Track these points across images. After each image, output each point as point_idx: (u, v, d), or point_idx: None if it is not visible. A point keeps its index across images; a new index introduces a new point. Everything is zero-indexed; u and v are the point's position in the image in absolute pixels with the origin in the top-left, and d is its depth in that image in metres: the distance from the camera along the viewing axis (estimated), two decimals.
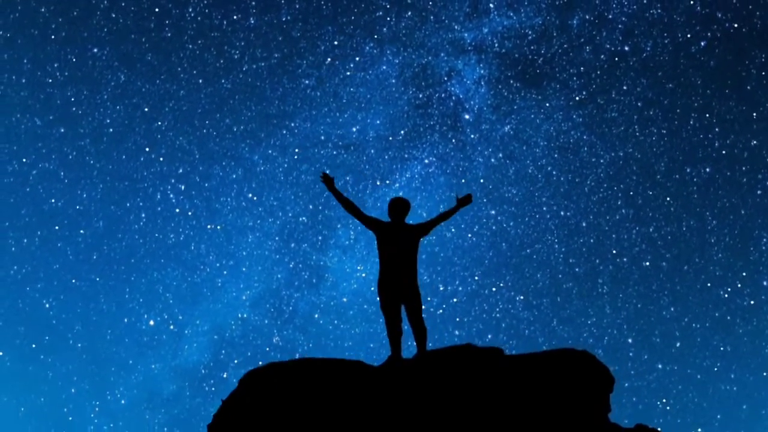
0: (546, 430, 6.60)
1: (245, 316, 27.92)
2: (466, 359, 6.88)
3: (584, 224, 27.54)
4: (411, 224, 7.13)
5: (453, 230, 27.66)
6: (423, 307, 7.01)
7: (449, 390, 6.56)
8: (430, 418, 6.38)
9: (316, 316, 27.89)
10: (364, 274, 27.55)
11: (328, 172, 7.33)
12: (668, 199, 28.18)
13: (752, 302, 27.14)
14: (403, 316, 7.08)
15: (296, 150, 28.19)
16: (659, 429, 7.00)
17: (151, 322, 27.67)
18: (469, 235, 28.23)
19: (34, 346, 27.53)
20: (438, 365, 6.79)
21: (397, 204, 7.12)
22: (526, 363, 7.13)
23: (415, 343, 6.96)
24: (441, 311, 27.06)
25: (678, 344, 27.25)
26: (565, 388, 6.98)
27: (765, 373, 26.55)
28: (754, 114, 27.93)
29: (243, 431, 6.24)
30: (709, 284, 27.70)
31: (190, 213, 28.03)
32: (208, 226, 27.67)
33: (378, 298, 7.00)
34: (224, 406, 6.47)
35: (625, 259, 27.98)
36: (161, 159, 28.07)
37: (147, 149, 28.00)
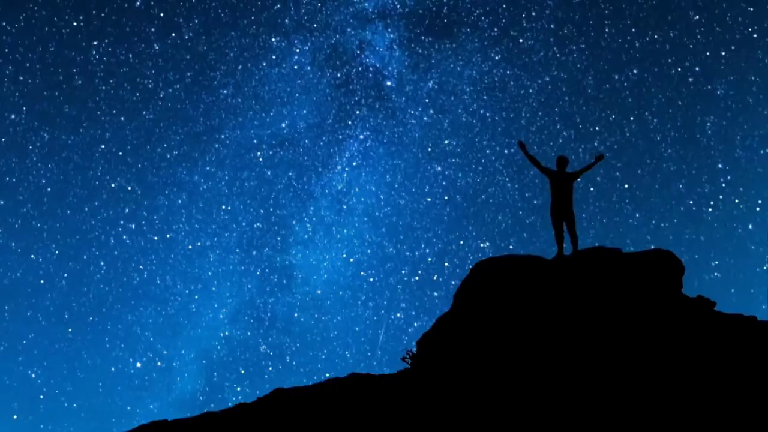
0: (648, 297, 10.97)
1: (227, 333, 28.27)
2: (600, 255, 11.17)
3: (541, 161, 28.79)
4: (569, 172, 11.21)
5: (405, 197, 27.95)
6: (575, 222, 11.17)
7: (593, 274, 10.87)
8: (581, 289, 10.70)
9: (296, 315, 28.55)
10: (350, 259, 27.57)
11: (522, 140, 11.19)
12: (605, 110, 28.11)
13: (712, 187, 27.93)
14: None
15: (233, 160, 27.82)
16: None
17: (138, 365, 27.74)
18: (422, 197, 28.56)
19: (31, 417, 27.37)
20: (584, 259, 11.07)
21: (561, 160, 11.14)
22: (632, 258, 11.44)
23: (571, 245, 11.25)
24: (417, 278, 27.58)
25: (652, 247, 28.25)
26: (657, 272, 11.31)
27: (743, 254, 27.76)
28: (667, 4, 27.61)
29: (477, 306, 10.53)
30: (666, 181, 28.14)
31: (147, 249, 27.57)
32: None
33: (550, 217, 11.18)
34: (462, 284, 10.74)
35: (579, 180, 28.66)
36: (105, 204, 27.40)
37: (89, 199, 27.16)
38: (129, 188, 27.92)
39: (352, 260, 28.99)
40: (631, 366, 9.65)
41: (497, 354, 9.84)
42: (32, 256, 27.93)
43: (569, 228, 11.13)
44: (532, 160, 11.12)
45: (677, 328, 10.57)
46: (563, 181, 11.05)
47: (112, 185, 27.80)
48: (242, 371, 28.38)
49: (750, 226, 28.50)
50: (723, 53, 28.19)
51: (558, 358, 9.73)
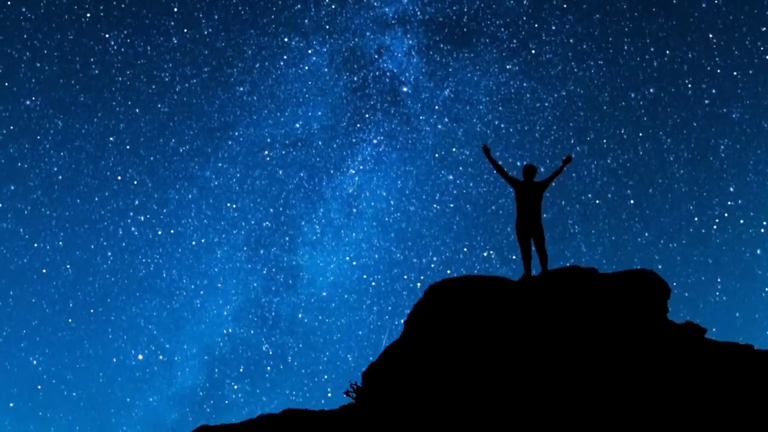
0: (627, 323, 9.73)
1: (230, 330, 28.00)
2: (574, 276, 9.95)
3: (542, 169, 28.08)
4: (537, 182, 10.01)
5: (415, 203, 27.64)
6: (545, 239, 9.96)
7: (564, 296, 9.65)
8: (551, 315, 9.48)
9: (300, 315, 28.22)
10: (355, 263, 27.57)
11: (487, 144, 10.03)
12: (619, 127, 27.84)
13: (723, 211, 27.54)
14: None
15: (245, 158, 27.70)
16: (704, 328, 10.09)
17: (140, 357, 27.62)
18: (432, 205, 28.31)
19: (30, 404, 27.34)
20: (555, 280, 9.85)
21: (528, 169, 9.95)
22: (611, 278, 10.20)
23: (540, 265, 10.03)
24: (419, 284, 27.21)
25: (659, 267, 27.26)
26: (638, 295, 10.07)
27: (750, 278, 27.27)
28: (686, 26, 27.54)
29: (429, 330, 9.34)
30: (677, 202, 27.84)
31: (155, 242, 27.54)
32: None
33: (516, 233, 9.97)
34: (414, 309, 9.55)
35: (590, 195, 28.37)
36: (115, 195, 27.41)
37: (99, 188, 27.21)
38: (140, 180, 27.99)
39: (359, 264, 28.68)
40: (602, 403, 8.43)
41: (450, 388, 8.64)
42: (40, 243, 28.00)
43: (537, 245, 9.94)
44: (496, 167, 9.96)
45: (659, 359, 9.32)
46: (531, 192, 9.87)
47: (124, 176, 27.89)
48: (242, 369, 28.21)
49: (758, 251, 28.21)
50: (740, 77, 27.94)
51: (518, 393, 8.52)
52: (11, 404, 27.55)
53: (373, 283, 27.84)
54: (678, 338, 9.85)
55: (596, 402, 8.43)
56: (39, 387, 27.53)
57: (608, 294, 9.84)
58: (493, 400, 8.56)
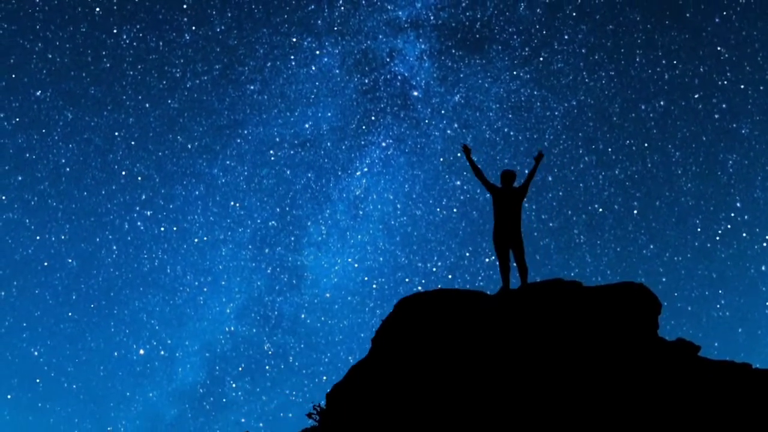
0: (614, 341, 9.05)
1: (233, 328, 27.94)
2: (556, 289, 9.28)
3: (550, 178, 27.82)
4: (516, 189, 9.37)
5: (422, 208, 27.62)
6: (525, 250, 9.32)
7: (544, 312, 8.98)
8: (531, 332, 8.81)
9: (303, 316, 28.07)
10: (356, 265, 27.55)
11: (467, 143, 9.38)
12: (629, 139, 27.85)
13: (729, 225, 27.48)
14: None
15: (254, 156, 27.79)
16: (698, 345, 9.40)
17: (141, 351, 27.62)
18: (439, 210, 28.28)
19: (30, 395, 27.37)
20: (535, 294, 9.19)
21: (506, 174, 9.32)
22: (597, 292, 9.52)
23: (520, 278, 9.37)
24: (421, 288, 27.29)
25: (664, 279, 28.02)
26: (626, 310, 9.39)
27: (754, 294, 27.10)
28: (698, 40, 27.57)
29: (398, 346, 8.68)
30: (683, 215, 27.88)
31: (160, 237, 27.59)
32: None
33: (493, 244, 9.33)
34: (383, 325, 8.91)
35: (596, 206, 28.10)
36: (122, 189, 27.44)
37: (106, 182, 27.28)
38: (147, 175, 27.98)
39: (363, 266, 28.52)
40: (581, 427, 7.75)
41: (419, 410, 7.98)
42: (45, 234, 27.99)
43: (516, 257, 9.28)
44: (475, 170, 9.31)
45: (647, 379, 8.63)
46: (510, 199, 9.22)
47: (131, 170, 27.94)
48: (243, 367, 28.09)
49: (763, 268, 27.86)
50: (751, 92, 27.79)
51: (492, 416, 7.85)
52: (8, 396, 27.68)
53: (375, 286, 27.85)
54: (669, 357, 9.16)
55: (575, 425, 7.75)
56: (38, 379, 27.71)
57: (593, 309, 9.18)
58: (464, 423, 7.90)
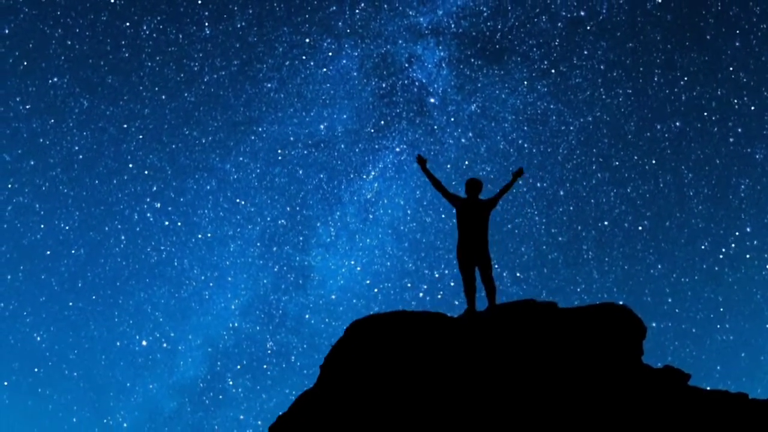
0: (593, 368, 8.16)
1: (236, 325, 27.58)
2: (528, 312, 8.41)
3: (562, 193, 27.18)
4: (483, 200, 8.56)
5: (432, 215, 27.50)
6: (493, 268, 8.50)
7: (513, 335, 8.11)
8: (499, 359, 7.95)
9: (307, 316, 27.55)
10: (359, 268, 27.38)
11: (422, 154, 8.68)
12: (642, 157, 27.81)
13: (738, 249, 27.26)
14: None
15: (267, 154, 27.82)
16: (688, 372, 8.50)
17: (144, 343, 27.32)
18: (449, 218, 27.49)
19: (30, 380, 27.20)
20: (505, 317, 8.33)
21: (472, 183, 8.52)
22: (575, 314, 8.65)
23: (487, 298, 8.51)
24: (428, 297, 26.92)
25: (669, 300, 27.14)
26: (608, 334, 8.51)
27: (759, 319, 26.69)
28: (717, 63, 27.43)
29: (350, 372, 7.84)
30: (692, 237, 27.63)
31: (169, 230, 27.53)
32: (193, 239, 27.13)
33: (456, 261, 8.50)
34: (333, 350, 8.07)
35: (606, 223, 27.34)
36: (134, 179, 27.49)
37: (118, 171, 27.41)
38: (160, 167, 27.82)
39: (370, 270, 27.87)
40: None
41: None
42: (54, 220, 27.77)
43: (483, 275, 8.43)
44: (433, 182, 8.54)
45: (628, 411, 7.73)
46: (475, 211, 8.40)
47: (144, 162, 27.77)
48: (244, 364, 27.51)
49: None
50: (767, 118, 27.68)
51: None
52: (5, 383, 27.58)
53: (376, 290, 27.36)
54: (654, 386, 8.24)
55: None
56: (42, 362, 27.74)
57: (569, 333, 8.30)
58: None
